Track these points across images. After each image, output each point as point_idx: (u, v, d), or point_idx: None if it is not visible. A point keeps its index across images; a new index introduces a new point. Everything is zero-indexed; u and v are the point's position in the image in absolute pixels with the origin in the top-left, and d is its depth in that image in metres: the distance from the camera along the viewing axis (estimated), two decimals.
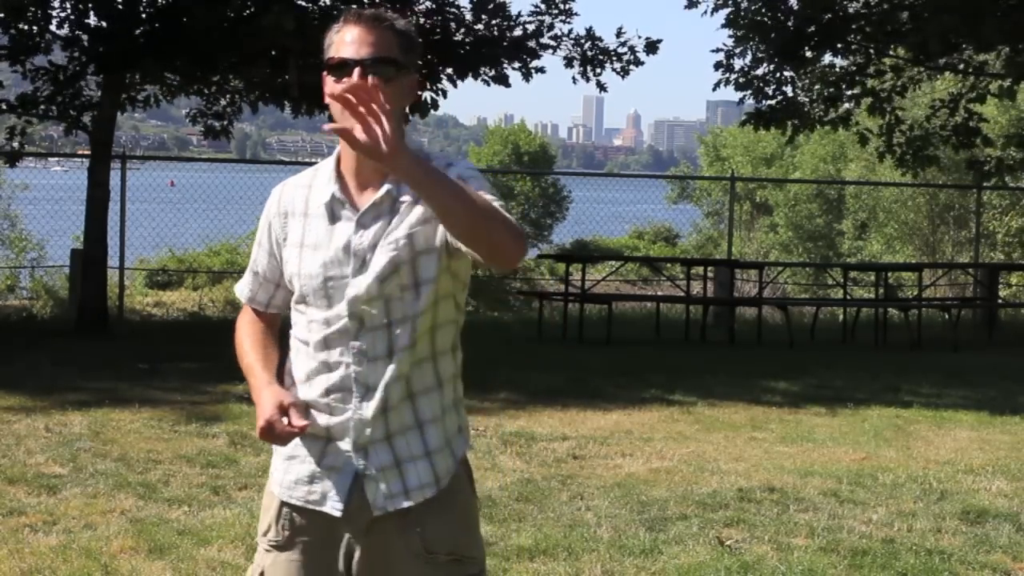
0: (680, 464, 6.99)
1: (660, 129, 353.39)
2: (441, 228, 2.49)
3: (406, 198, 2.54)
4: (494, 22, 12.83)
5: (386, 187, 2.55)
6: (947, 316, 14.12)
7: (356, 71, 2.46)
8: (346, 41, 2.51)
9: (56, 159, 21.22)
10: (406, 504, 2.57)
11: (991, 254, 24.39)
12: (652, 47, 13.25)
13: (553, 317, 13.61)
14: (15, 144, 12.67)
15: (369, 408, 2.57)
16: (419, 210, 2.53)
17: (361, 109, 2.24)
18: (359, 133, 2.26)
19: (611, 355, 11.43)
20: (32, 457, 6.68)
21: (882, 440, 7.87)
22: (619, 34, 13.32)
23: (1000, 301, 15.76)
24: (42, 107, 12.39)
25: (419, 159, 2.34)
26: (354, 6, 12.39)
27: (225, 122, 13.89)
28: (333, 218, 2.57)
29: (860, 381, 10.24)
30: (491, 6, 12.82)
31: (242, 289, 2.77)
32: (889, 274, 16.35)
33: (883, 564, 5.14)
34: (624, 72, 13.26)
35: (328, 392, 2.58)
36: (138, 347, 11.07)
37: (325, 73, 2.55)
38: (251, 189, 19.07)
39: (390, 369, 2.56)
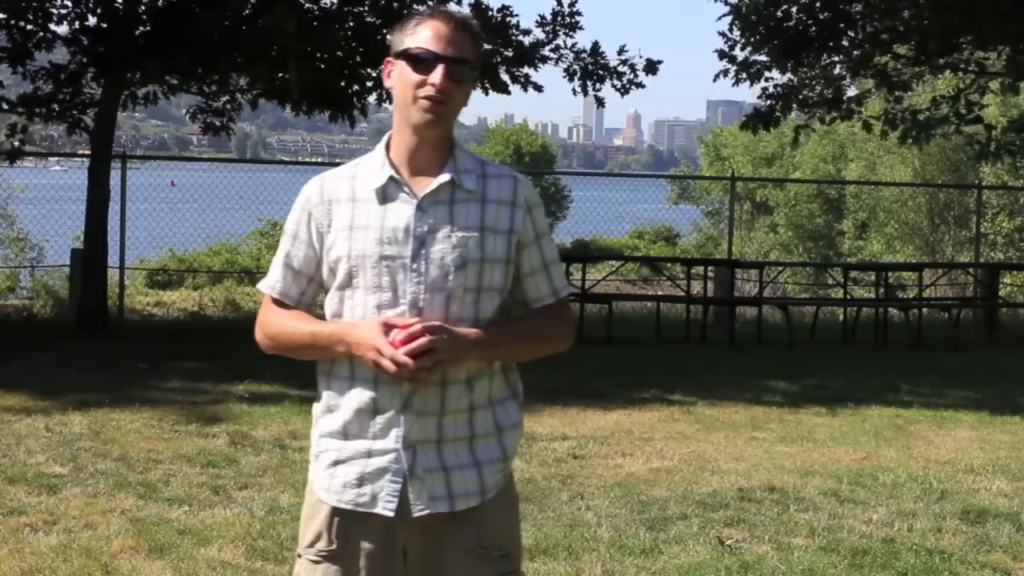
0: (680, 464, 6.99)
1: (660, 129, 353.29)
2: (507, 242, 2.59)
3: (469, 188, 2.58)
4: (497, 39, 12.80)
5: (446, 175, 2.57)
6: (947, 316, 14.12)
7: (440, 67, 2.52)
8: (430, 35, 2.55)
9: (56, 159, 21.20)
10: (447, 510, 2.56)
11: (991, 254, 24.37)
12: (652, 67, 13.27)
13: None
14: (15, 142, 12.66)
15: (422, 403, 2.54)
16: (490, 210, 2.57)
17: (423, 367, 2.45)
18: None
19: (611, 355, 11.43)
20: (32, 457, 6.67)
21: (882, 440, 7.87)
22: (621, 52, 13.35)
23: (1000, 301, 15.75)
24: (43, 107, 12.38)
25: (475, 340, 2.52)
26: (356, 8, 12.51)
27: (225, 119, 13.91)
28: (385, 199, 2.56)
29: (860, 381, 10.23)
30: (492, 19, 12.78)
31: (272, 284, 2.68)
32: (889, 274, 16.33)
33: (883, 564, 5.14)
34: (624, 90, 13.27)
35: (377, 384, 2.54)
36: (138, 347, 11.06)
37: (390, 60, 2.60)
38: (251, 189, 19.11)
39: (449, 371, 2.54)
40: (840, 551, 5.30)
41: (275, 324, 2.66)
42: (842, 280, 15.35)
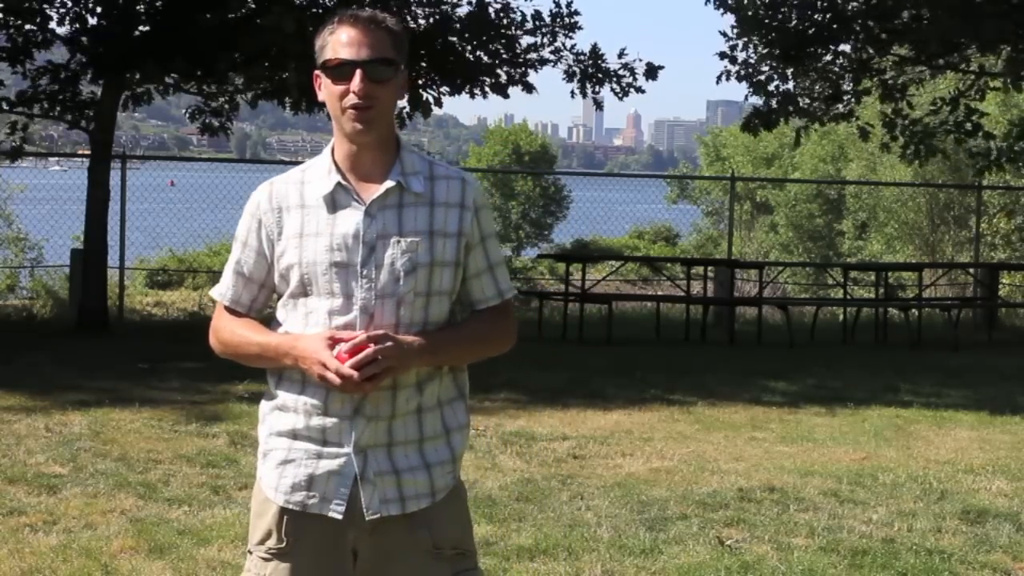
0: (680, 464, 6.98)
1: (660, 129, 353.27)
2: (456, 245, 2.59)
3: (416, 190, 2.58)
4: (494, 43, 12.78)
5: (392, 181, 2.57)
6: (947, 316, 14.12)
7: (358, 73, 2.51)
8: (343, 42, 2.53)
9: (56, 159, 21.22)
10: (398, 512, 2.57)
11: (991, 254, 24.36)
12: (652, 72, 13.27)
13: (553, 317, 13.61)
14: (15, 141, 12.66)
15: (373, 408, 2.54)
16: (438, 214, 2.57)
17: (371, 374, 2.45)
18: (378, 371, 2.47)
19: (611, 355, 11.43)
20: (32, 457, 6.67)
21: (882, 440, 7.87)
22: (621, 55, 13.35)
23: (1000, 301, 15.75)
24: (44, 105, 12.39)
25: (421, 346, 2.51)
26: (354, 6, 12.48)
27: (224, 119, 13.91)
28: (334, 207, 2.56)
29: (860, 381, 10.23)
30: (490, 26, 12.73)
31: (223, 291, 2.70)
32: (889, 274, 16.33)
33: (883, 564, 5.14)
34: (623, 94, 13.25)
35: (328, 390, 2.54)
36: (138, 347, 11.07)
37: (318, 73, 2.59)
38: (251, 189, 18.85)
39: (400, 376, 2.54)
40: (840, 551, 5.30)
41: (226, 331, 2.68)
42: (842, 280, 15.35)
